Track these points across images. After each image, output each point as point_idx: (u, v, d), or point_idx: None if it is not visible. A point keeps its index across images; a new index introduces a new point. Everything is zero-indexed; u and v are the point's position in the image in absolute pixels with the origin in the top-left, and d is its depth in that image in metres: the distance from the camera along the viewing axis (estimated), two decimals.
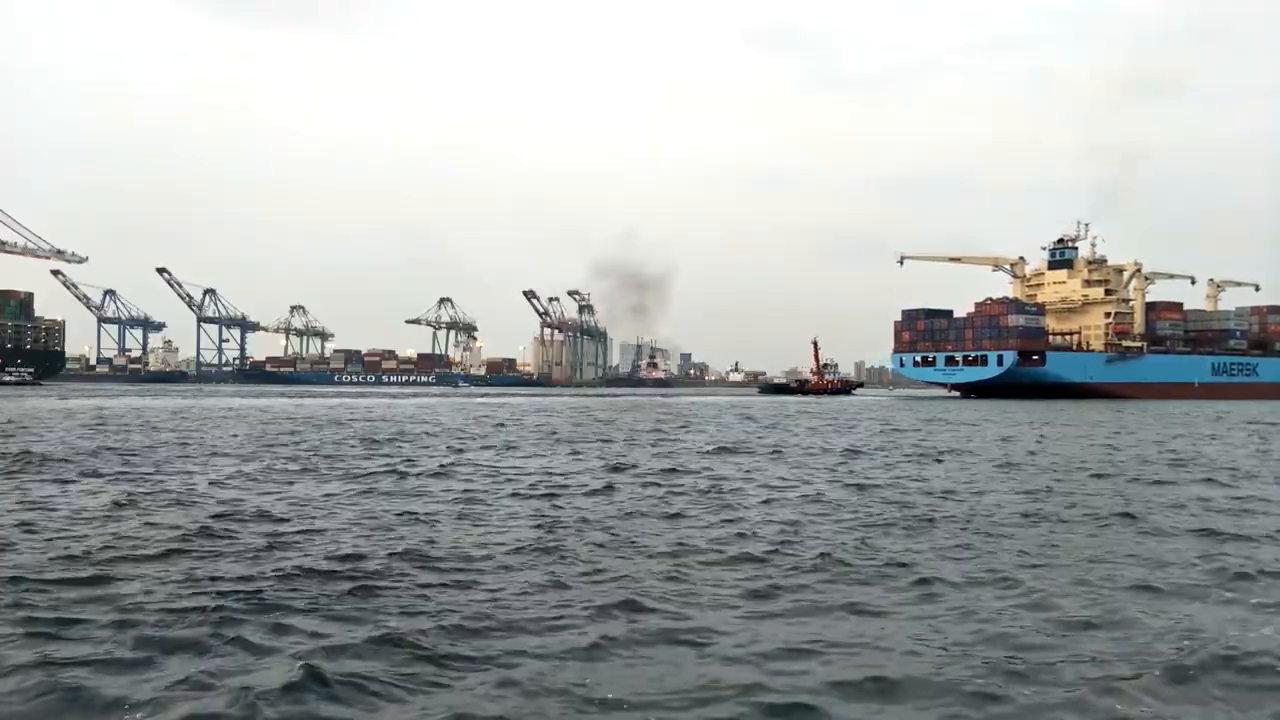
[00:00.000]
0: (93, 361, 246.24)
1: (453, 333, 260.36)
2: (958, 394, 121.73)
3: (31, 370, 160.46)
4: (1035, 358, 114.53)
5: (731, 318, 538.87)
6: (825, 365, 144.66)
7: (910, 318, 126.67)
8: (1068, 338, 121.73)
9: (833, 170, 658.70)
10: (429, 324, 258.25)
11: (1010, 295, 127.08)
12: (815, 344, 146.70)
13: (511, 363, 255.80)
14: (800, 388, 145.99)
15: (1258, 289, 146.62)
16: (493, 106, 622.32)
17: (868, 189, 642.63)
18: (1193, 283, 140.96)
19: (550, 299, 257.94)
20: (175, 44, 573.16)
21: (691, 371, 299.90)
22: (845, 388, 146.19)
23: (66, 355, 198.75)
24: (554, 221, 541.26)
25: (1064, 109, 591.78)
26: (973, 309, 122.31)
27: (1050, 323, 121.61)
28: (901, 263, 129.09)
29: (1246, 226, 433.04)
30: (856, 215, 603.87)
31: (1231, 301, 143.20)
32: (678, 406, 75.36)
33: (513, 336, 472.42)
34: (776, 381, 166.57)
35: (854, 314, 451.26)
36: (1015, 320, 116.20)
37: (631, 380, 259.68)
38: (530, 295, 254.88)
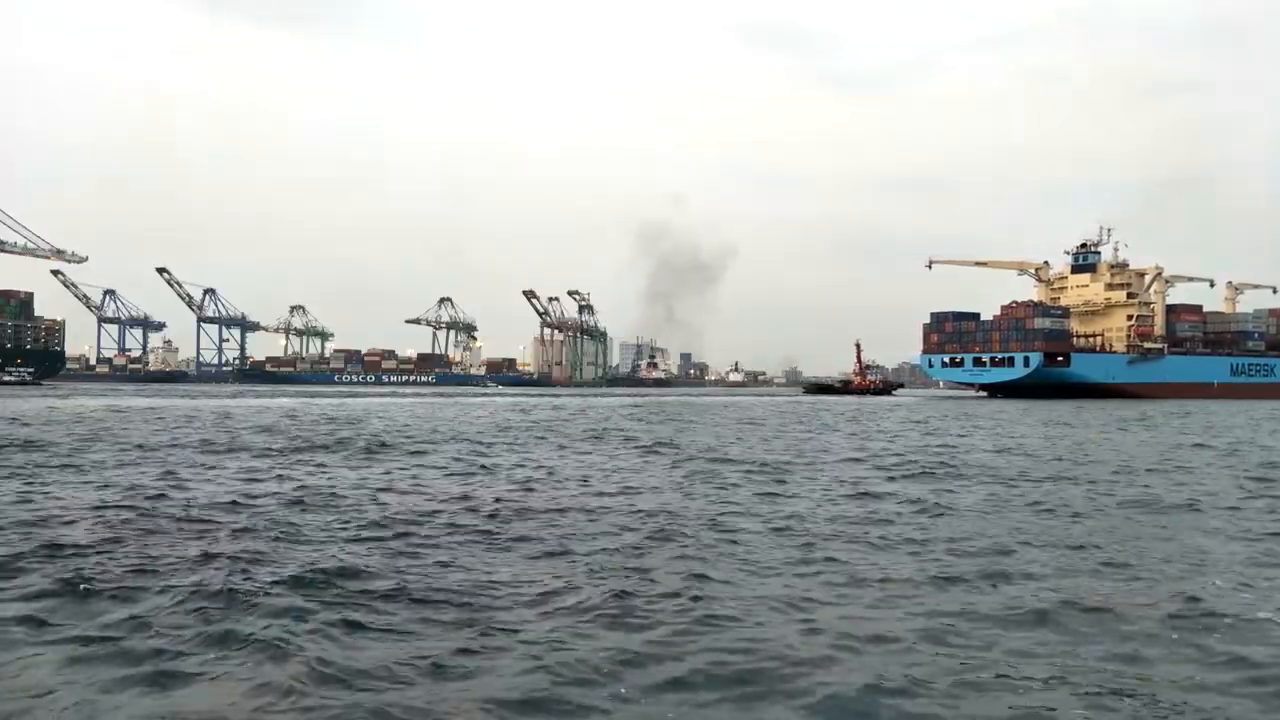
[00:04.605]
0: (93, 361, 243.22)
1: (453, 332, 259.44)
2: (985, 394, 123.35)
3: (31, 370, 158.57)
4: (1060, 359, 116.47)
5: (729, 317, 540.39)
6: (868, 366, 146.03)
7: (938, 320, 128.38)
8: (1091, 339, 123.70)
9: (832, 169, 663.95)
10: (429, 324, 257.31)
11: (1034, 299, 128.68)
12: (858, 345, 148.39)
13: (512, 362, 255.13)
14: (844, 388, 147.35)
15: (1275, 291, 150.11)
16: (492, 106, 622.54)
17: (867, 188, 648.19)
18: (1211, 285, 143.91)
19: (550, 299, 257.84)
20: (176, 43, 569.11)
21: (691, 371, 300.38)
22: (886, 388, 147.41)
23: (66, 355, 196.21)
24: (554, 221, 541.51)
25: (1065, 109, 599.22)
26: (999, 312, 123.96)
27: (1074, 325, 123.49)
28: (930, 266, 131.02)
29: (1261, 228, 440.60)
30: (856, 215, 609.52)
31: (1250, 304, 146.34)
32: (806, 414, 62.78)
33: (513, 336, 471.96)
34: (818, 382, 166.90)
35: (854, 313, 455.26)
36: (1041, 323, 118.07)
37: (631, 380, 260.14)
38: (530, 295, 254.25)
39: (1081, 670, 7.58)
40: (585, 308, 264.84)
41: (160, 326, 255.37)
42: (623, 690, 7.05)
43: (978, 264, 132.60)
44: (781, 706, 6.82)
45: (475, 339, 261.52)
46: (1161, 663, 7.81)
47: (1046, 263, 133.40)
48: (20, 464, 22.30)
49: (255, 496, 17.09)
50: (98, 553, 11.53)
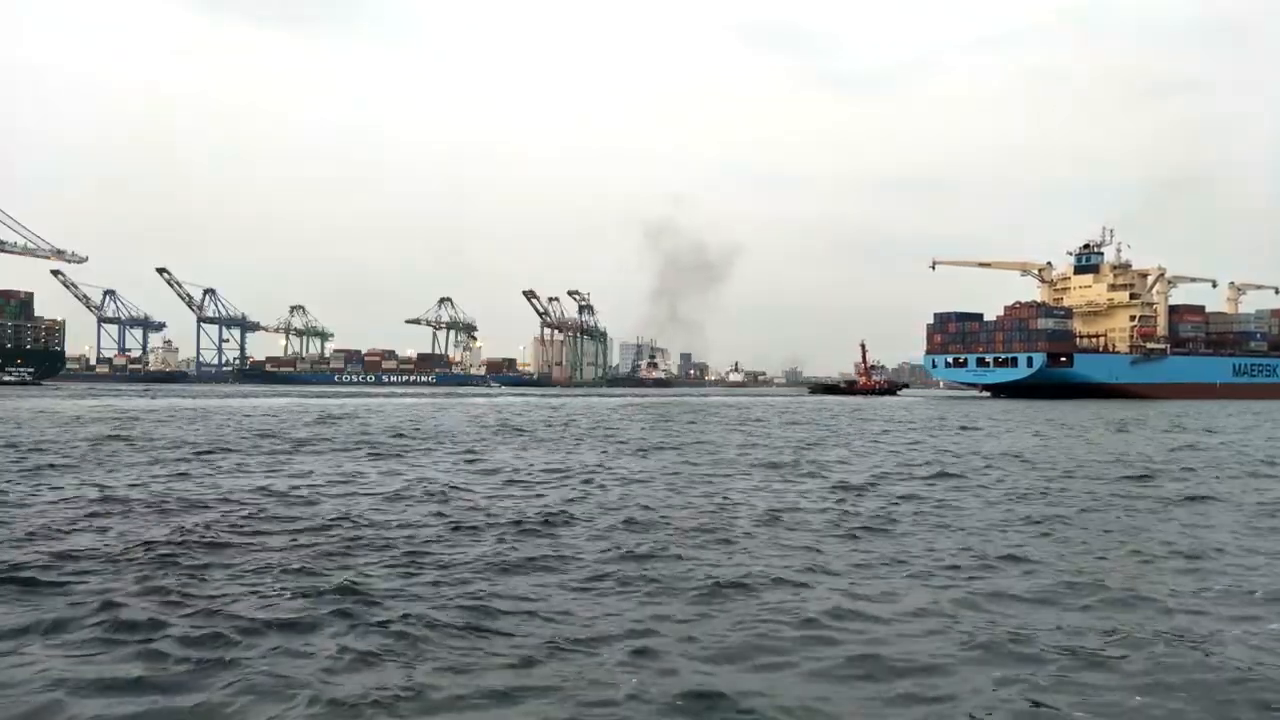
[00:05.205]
0: (93, 361, 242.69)
1: (453, 332, 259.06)
2: (988, 394, 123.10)
3: (31, 370, 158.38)
4: (1063, 359, 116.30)
5: (730, 316, 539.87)
6: (872, 366, 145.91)
7: (942, 320, 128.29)
8: (1094, 340, 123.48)
9: (832, 169, 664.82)
10: (429, 324, 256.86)
11: (1037, 299, 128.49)
12: (863, 345, 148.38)
13: (511, 362, 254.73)
14: (850, 388, 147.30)
15: (1278, 292, 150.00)
16: (492, 106, 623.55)
17: (867, 188, 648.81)
18: (1214, 285, 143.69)
19: (550, 299, 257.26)
20: (176, 43, 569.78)
21: (691, 372, 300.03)
22: (891, 388, 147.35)
23: (66, 355, 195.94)
24: (554, 221, 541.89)
25: (1065, 109, 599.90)
26: (1002, 312, 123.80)
27: (1077, 325, 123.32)
28: (934, 267, 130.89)
29: (1261, 228, 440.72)
30: (856, 215, 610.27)
31: (1252, 304, 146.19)
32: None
33: (513, 336, 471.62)
34: (823, 382, 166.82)
35: (855, 313, 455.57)
36: (1044, 324, 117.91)
37: (631, 380, 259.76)
38: (530, 295, 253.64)
39: (1092, 666, 7.38)
40: (585, 308, 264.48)
41: (160, 326, 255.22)
42: (635, 681, 6.95)
43: (981, 265, 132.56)
44: (788, 675, 7.04)
45: (475, 339, 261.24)
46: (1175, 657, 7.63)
47: (1049, 263, 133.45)
48: (23, 466, 21.93)
49: (254, 497, 16.82)
50: (97, 555, 11.27)
